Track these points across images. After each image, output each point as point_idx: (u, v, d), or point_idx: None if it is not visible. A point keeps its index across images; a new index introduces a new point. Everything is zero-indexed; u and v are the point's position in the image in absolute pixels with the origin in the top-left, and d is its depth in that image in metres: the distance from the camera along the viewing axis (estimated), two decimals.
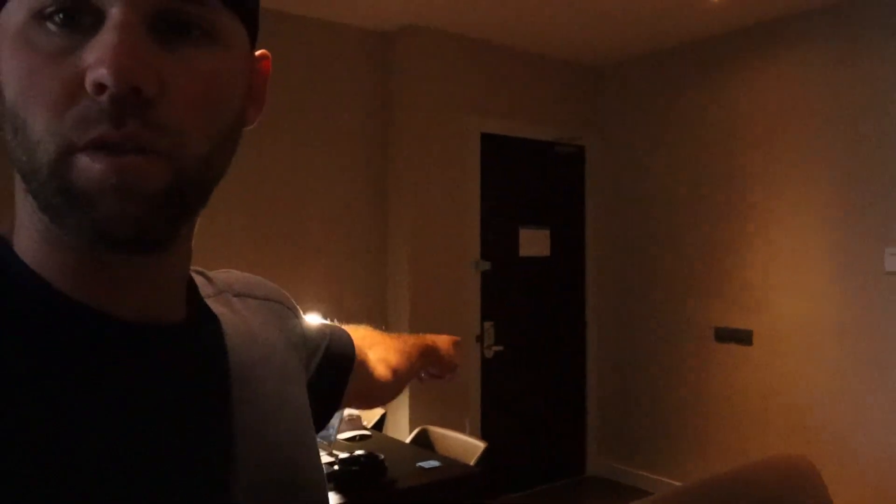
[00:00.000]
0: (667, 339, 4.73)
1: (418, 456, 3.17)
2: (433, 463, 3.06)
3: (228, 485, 0.54)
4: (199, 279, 0.66)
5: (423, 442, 3.55)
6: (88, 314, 0.52)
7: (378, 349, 1.04)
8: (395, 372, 1.05)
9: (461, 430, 4.35)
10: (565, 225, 5.13)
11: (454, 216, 4.54)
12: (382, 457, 2.86)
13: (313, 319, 0.85)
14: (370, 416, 3.84)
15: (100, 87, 0.45)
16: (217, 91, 0.51)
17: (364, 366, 0.96)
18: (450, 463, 3.11)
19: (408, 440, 3.57)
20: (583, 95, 5.18)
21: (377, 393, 1.04)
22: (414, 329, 4.35)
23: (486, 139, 4.68)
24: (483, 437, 4.62)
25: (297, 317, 0.79)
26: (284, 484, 0.59)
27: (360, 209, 4.46)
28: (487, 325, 4.73)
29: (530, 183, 4.96)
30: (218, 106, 0.52)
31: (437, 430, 3.58)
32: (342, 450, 3.25)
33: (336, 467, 2.84)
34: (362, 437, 3.53)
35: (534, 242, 4.94)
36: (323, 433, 3.31)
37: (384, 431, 3.81)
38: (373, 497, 2.74)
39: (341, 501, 2.66)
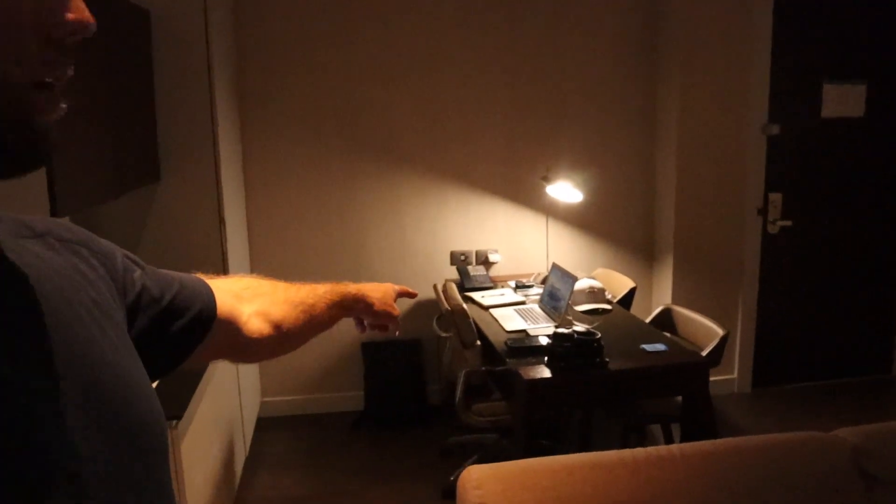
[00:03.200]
0: None
1: (647, 337, 2.98)
2: (659, 346, 2.86)
3: (49, 396, 0.54)
4: (7, 223, 0.64)
5: (665, 322, 3.32)
6: None
7: (260, 301, 1.00)
8: (277, 326, 1.01)
9: (725, 314, 4.00)
10: (889, 78, 4.16)
11: (736, 72, 3.94)
12: (599, 335, 2.73)
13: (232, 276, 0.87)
14: (617, 290, 3.69)
15: None
16: None
17: (231, 321, 0.93)
18: (678, 348, 2.88)
19: (648, 319, 3.37)
20: None
21: (250, 348, 0.99)
22: (681, 199, 4.00)
23: None
24: (759, 321, 4.22)
25: (116, 263, 0.75)
26: (105, 401, 0.59)
27: (623, 67, 4.09)
28: (774, 196, 4.15)
29: (841, 26, 4.06)
30: None
31: (681, 311, 3.32)
32: (579, 321, 3.19)
33: (549, 342, 2.80)
34: (603, 310, 3.41)
35: (843, 100, 4.11)
36: (556, 303, 3.28)
37: (631, 307, 3.63)
38: (581, 376, 2.66)
39: (549, 376, 2.64)
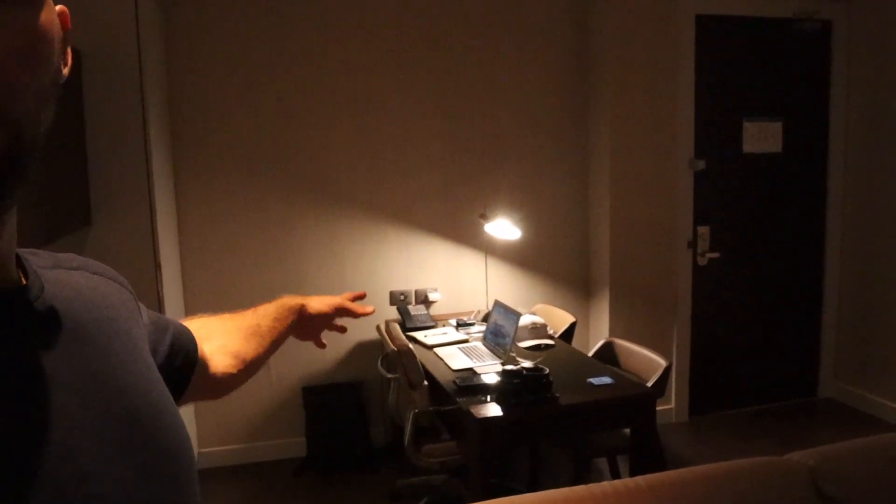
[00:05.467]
0: None
1: (593, 371, 3.02)
2: (605, 380, 2.90)
3: (67, 429, 0.53)
4: (32, 257, 0.65)
5: (607, 355, 3.38)
6: None
7: (217, 337, 1.04)
8: (237, 356, 1.04)
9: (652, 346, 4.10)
10: (803, 116, 4.42)
11: (664, 110, 4.11)
12: (547, 371, 2.75)
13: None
14: (558, 325, 3.74)
15: None
16: (38, 47, 0.51)
17: (204, 361, 0.95)
18: (624, 381, 2.93)
19: (591, 353, 3.41)
20: None
21: (219, 384, 1.02)
22: (616, 235, 4.10)
23: (703, 21, 4.11)
24: (693, 351, 4.33)
25: (136, 299, 0.77)
26: (137, 427, 0.59)
27: (557, 105, 4.21)
28: (702, 229, 4.31)
29: (758, 69, 4.30)
30: (41, 62, 0.51)
31: (622, 344, 3.38)
32: (524, 357, 3.21)
33: (499, 379, 2.80)
34: (546, 346, 3.44)
35: (762, 137, 4.34)
36: (500, 340, 3.29)
37: (573, 341, 3.68)
38: (533, 412, 2.67)
39: (500, 414, 2.63)
